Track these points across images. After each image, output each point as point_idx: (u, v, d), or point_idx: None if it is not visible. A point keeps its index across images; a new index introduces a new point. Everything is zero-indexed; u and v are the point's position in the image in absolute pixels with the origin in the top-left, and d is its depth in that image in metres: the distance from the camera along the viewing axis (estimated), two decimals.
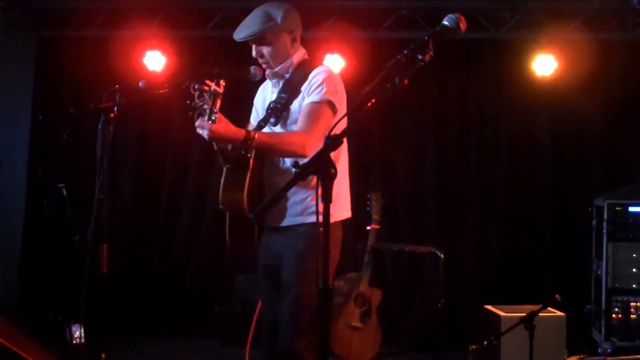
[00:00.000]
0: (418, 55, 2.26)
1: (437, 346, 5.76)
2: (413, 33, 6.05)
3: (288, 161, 3.07)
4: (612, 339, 5.51)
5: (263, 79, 3.24)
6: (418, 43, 2.28)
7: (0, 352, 3.50)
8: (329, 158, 2.12)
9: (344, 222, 3.17)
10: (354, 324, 5.18)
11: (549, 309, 4.78)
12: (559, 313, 5.01)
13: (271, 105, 3.15)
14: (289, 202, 3.08)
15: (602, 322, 5.58)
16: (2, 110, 6.23)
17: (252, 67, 3.07)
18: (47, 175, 6.29)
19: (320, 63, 3.25)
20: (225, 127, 2.86)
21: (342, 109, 3.10)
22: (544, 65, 6.00)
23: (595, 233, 5.91)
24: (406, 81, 2.20)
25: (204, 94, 2.82)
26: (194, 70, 2.96)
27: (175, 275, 6.60)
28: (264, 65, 3.15)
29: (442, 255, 5.41)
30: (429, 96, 6.53)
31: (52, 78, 6.41)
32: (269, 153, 3.07)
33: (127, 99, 3.02)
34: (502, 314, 5.00)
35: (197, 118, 2.85)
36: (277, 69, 3.15)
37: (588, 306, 5.77)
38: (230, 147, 3.01)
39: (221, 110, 2.86)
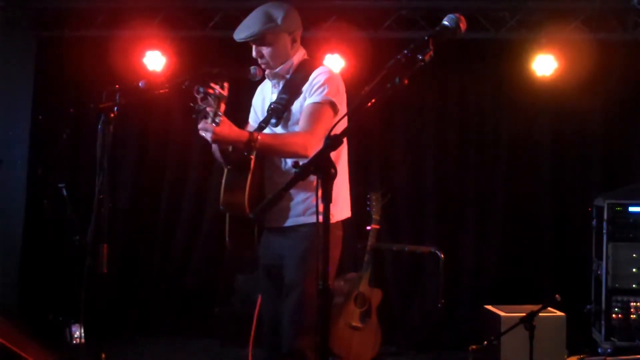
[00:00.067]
0: (418, 55, 2.26)
1: (437, 346, 5.76)
2: (413, 33, 6.05)
3: (290, 162, 3.07)
4: (612, 339, 5.51)
5: (263, 79, 3.24)
6: (418, 43, 2.28)
7: (0, 352, 3.50)
8: (329, 158, 2.12)
9: (344, 222, 3.17)
10: (354, 324, 5.18)
11: (549, 309, 4.78)
12: (559, 313, 5.01)
13: (272, 106, 3.15)
14: (292, 203, 3.08)
15: (602, 322, 5.58)
16: (2, 110, 6.23)
17: (252, 67, 3.07)
18: (47, 175, 6.29)
19: (320, 63, 3.25)
20: (229, 129, 2.86)
21: (343, 109, 3.10)
22: (544, 65, 6.00)
23: (595, 233, 5.91)
24: (406, 81, 2.20)
25: (208, 96, 2.82)
26: (194, 70, 2.96)
27: (175, 275, 6.59)
28: (263, 66, 3.15)
29: (442, 255, 5.40)
30: (429, 96, 6.53)
31: (52, 78, 6.41)
32: (271, 154, 3.07)
33: (127, 99, 3.02)
34: (502, 314, 5.00)
35: (200, 121, 2.84)
36: (277, 70, 3.15)
37: (588, 306, 5.77)
38: (230, 148, 3.01)
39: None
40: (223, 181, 3.01)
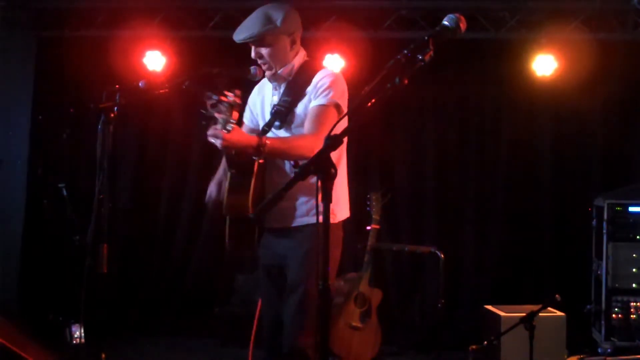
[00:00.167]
0: (418, 55, 2.26)
1: (437, 346, 5.75)
2: (413, 33, 6.05)
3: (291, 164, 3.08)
4: (612, 339, 5.51)
5: (262, 79, 3.24)
6: (418, 43, 2.27)
7: (0, 352, 3.50)
8: (329, 158, 2.12)
9: (343, 222, 3.18)
10: (354, 324, 5.18)
11: (549, 309, 4.78)
12: (559, 313, 5.01)
13: (275, 109, 3.15)
14: (297, 203, 3.09)
15: (602, 322, 5.58)
16: (2, 110, 6.23)
17: (252, 67, 3.07)
18: (47, 175, 6.29)
19: (321, 64, 3.26)
20: (239, 136, 2.87)
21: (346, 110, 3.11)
22: (544, 65, 6.00)
23: (595, 233, 5.91)
24: (406, 81, 2.20)
25: (220, 104, 2.80)
26: (194, 70, 2.96)
27: (175, 275, 6.60)
28: (263, 67, 3.14)
29: (442, 255, 5.40)
30: (429, 96, 6.53)
31: (52, 78, 6.41)
32: (279, 158, 3.08)
33: (127, 99, 3.02)
34: (502, 314, 5.00)
35: (210, 127, 2.83)
36: (278, 72, 3.14)
37: (588, 306, 5.77)
38: (234, 152, 3.01)
39: None
40: (226, 185, 3.02)
